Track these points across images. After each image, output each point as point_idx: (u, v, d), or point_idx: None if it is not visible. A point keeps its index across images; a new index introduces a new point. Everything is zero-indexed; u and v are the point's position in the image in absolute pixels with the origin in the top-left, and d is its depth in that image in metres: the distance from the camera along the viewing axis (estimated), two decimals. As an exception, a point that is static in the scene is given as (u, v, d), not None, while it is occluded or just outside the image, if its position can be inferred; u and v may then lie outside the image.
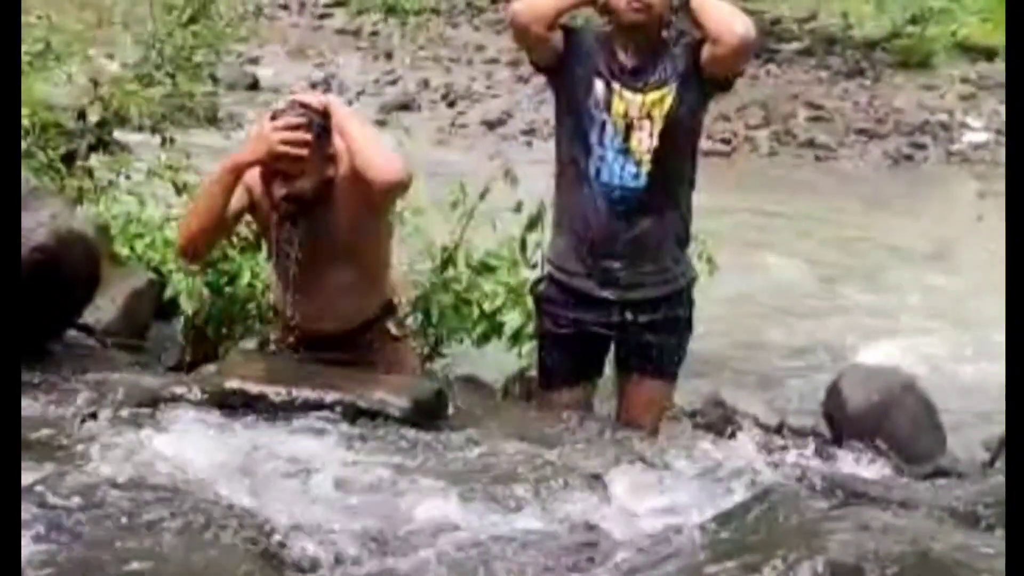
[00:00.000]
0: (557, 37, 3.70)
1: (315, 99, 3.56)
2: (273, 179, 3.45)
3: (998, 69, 16.15)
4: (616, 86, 3.68)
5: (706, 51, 3.65)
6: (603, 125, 3.69)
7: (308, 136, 3.39)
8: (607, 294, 3.76)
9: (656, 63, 3.70)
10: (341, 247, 3.55)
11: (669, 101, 3.67)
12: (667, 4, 3.67)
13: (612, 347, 3.88)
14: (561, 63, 3.73)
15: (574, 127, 3.75)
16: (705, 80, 3.71)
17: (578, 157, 3.74)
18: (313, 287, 3.58)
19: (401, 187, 3.47)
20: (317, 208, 3.51)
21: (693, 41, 3.72)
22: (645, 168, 3.68)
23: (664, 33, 3.74)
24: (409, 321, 4.38)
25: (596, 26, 3.91)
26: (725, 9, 3.65)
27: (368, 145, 3.45)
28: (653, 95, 3.68)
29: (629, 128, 3.68)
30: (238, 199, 3.52)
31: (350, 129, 3.46)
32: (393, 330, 3.74)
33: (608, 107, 3.68)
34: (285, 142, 3.37)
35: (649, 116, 3.67)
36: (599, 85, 3.69)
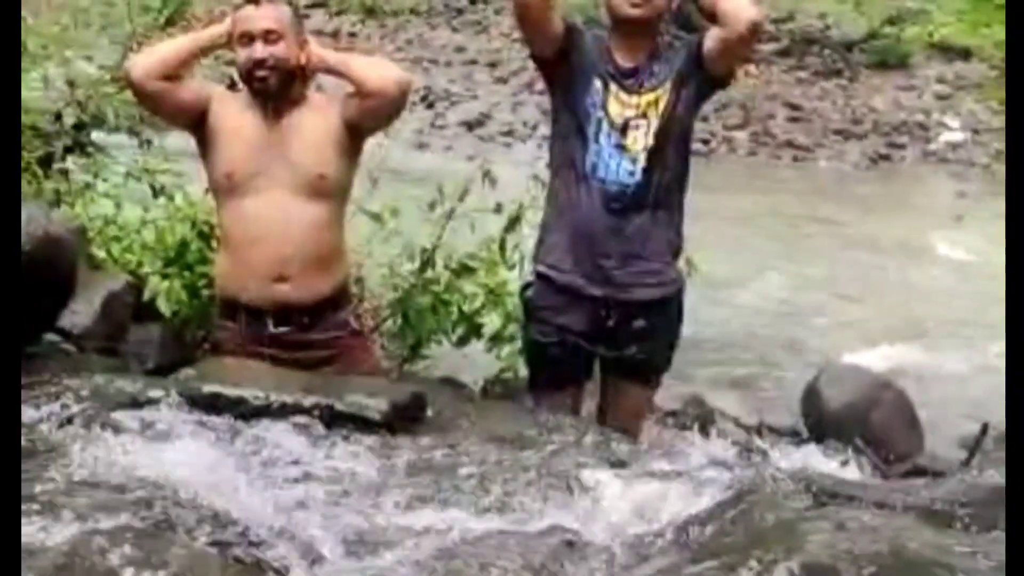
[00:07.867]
0: (559, 28, 3.68)
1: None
2: (253, 42, 3.52)
3: (974, 69, 16.28)
4: (613, 87, 3.68)
5: (712, 36, 3.62)
6: (600, 123, 3.69)
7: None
8: (597, 291, 3.74)
9: (651, 65, 3.70)
10: (306, 174, 3.54)
11: (665, 100, 3.68)
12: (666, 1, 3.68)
13: (598, 355, 3.86)
14: (562, 56, 3.71)
15: (571, 124, 3.74)
16: (704, 76, 3.70)
17: (574, 154, 3.73)
18: (272, 228, 3.53)
19: (405, 84, 3.53)
20: (288, 109, 3.56)
21: (692, 41, 3.71)
22: (640, 165, 3.69)
23: (659, 40, 3.74)
24: (381, 319, 4.34)
25: (596, 29, 3.91)
26: None
27: (358, 60, 3.65)
28: (648, 96, 3.68)
29: (625, 126, 3.68)
30: (199, 95, 3.63)
31: (331, 54, 3.65)
32: (353, 323, 3.71)
33: (604, 106, 3.68)
34: None
35: (645, 115, 3.68)
36: (597, 84, 3.69)
